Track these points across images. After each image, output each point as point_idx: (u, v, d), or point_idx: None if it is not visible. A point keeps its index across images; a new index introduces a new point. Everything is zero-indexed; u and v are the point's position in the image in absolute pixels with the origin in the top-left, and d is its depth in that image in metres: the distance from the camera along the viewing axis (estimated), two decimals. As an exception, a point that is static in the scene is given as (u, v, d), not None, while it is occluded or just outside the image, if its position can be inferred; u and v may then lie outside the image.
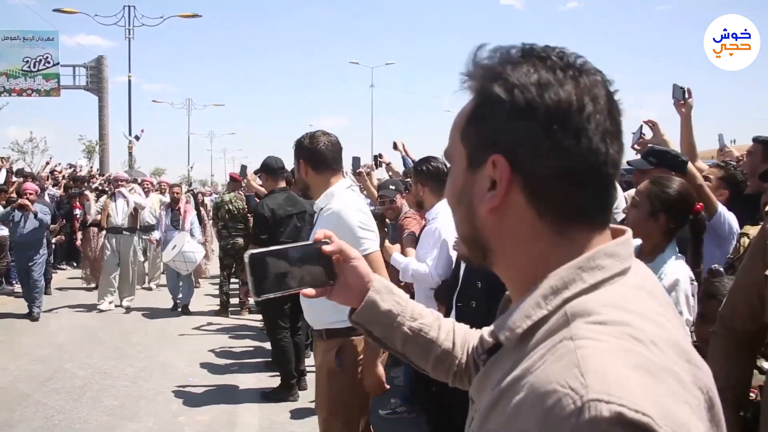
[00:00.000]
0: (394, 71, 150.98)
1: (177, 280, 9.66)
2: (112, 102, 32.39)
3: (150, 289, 11.70)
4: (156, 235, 10.25)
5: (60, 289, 11.51)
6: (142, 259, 10.74)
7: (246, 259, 1.13)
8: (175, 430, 5.00)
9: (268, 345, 7.52)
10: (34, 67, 29.46)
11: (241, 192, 9.32)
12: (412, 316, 1.24)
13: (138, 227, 10.18)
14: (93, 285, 11.30)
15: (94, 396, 5.73)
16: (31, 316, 8.78)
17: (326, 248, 1.19)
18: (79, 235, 12.26)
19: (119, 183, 10.22)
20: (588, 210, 0.82)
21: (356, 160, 7.54)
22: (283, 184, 5.89)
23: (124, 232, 9.84)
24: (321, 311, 2.96)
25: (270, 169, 5.87)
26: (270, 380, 6.18)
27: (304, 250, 1.20)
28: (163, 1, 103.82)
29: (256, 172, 7.36)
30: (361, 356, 2.95)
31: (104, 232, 10.24)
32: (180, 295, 9.73)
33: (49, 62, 29.59)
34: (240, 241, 9.00)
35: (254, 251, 1.15)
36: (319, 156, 3.10)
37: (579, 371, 0.68)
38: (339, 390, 3.00)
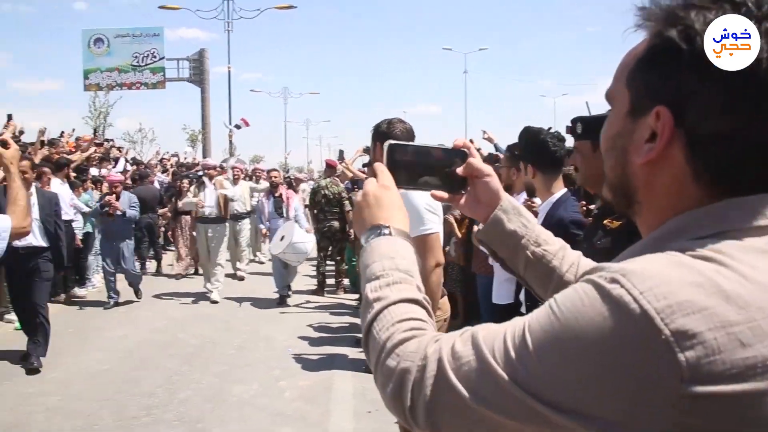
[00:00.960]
0: (488, 57, 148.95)
1: (284, 272, 9.15)
2: (212, 92, 33.83)
3: (242, 278, 11.36)
4: (261, 226, 9.97)
5: (169, 268, 12.29)
6: (241, 246, 11.05)
7: (385, 147, 1.14)
8: (277, 394, 5.46)
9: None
10: (142, 61, 31.22)
11: (336, 177, 9.80)
12: (536, 240, 1.22)
13: (227, 217, 9.98)
14: (184, 272, 11.56)
15: (205, 362, 6.31)
16: (137, 294, 9.25)
17: (471, 160, 1.18)
18: (172, 223, 12.29)
19: (207, 171, 10.11)
20: (745, 180, 0.74)
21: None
22: None
23: (213, 222, 9.62)
24: None
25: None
26: (361, 353, 6.57)
27: (442, 154, 1.19)
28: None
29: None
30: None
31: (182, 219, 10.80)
32: (286, 286, 9.33)
33: (155, 57, 31.29)
34: (335, 224, 9.49)
35: (395, 141, 1.17)
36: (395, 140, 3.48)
37: (632, 262, 0.71)
38: None
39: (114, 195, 8.73)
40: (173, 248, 14.40)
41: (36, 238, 6.09)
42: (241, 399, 5.30)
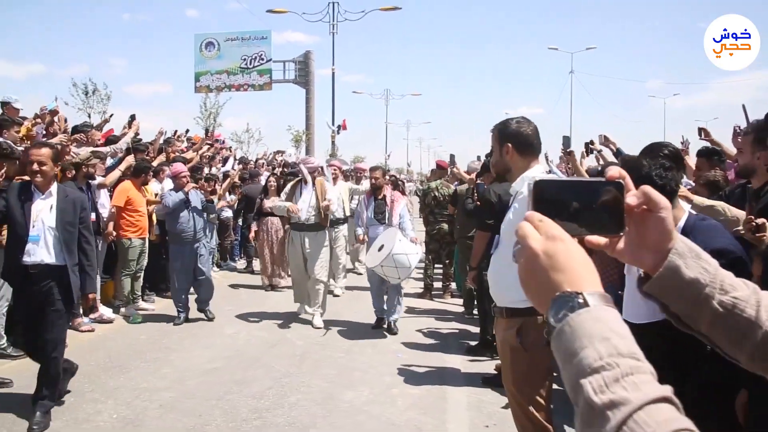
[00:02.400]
0: (595, 56, 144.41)
1: (382, 289, 7.68)
2: (317, 94, 34.34)
3: (337, 296, 9.81)
4: (359, 231, 7.99)
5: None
6: (338, 258, 9.69)
7: (530, 185, 0.97)
8: (389, 401, 5.23)
9: (472, 328, 7.65)
10: (250, 64, 32.14)
11: (446, 179, 9.54)
12: (722, 287, 0.98)
13: (327, 223, 8.06)
14: (268, 284, 10.30)
15: (314, 364, 6.18)
16: (206, 315, 7.97)
17: (629, 198, 0.95)
18: (253, 226, 10.61)
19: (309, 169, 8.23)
20: None
21: (566, 140, 7.50)
22: None
23: (310, 230, 7.70)
24: (505, 288, 3.15)
25: None
26: (476, 363, 6.29)
27: (594, 188, 0.97)
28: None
29: (487, 156, 7.19)
30: (544, 336, 3.02)
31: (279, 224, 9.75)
32: (384, 307, 7.68)
33: (262, 59, 32.13)
34: (445, 226, 9.25)
35: (542, 177, 0.99)
36: (525, 139, 3.24)
37: None
38: (522, 368, 3.15)
39: (194, 183, 8.20)
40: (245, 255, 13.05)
41: (49, 254, 4.54)
42: (353, 405, 5.11)
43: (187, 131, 13.87)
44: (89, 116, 19.91)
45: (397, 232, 7.15)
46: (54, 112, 7.48)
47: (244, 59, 31.95)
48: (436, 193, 9.42)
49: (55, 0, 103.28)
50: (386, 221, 7.61)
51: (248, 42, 32.21)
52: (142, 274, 8.38)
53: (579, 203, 0.95)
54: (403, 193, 10.32)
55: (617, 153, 7.61)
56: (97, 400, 5.10)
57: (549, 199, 0.95)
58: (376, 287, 7.63)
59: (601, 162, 7.67)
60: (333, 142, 30.20)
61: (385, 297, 7.65)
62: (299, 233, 7.72)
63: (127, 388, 5.42)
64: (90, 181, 7.40)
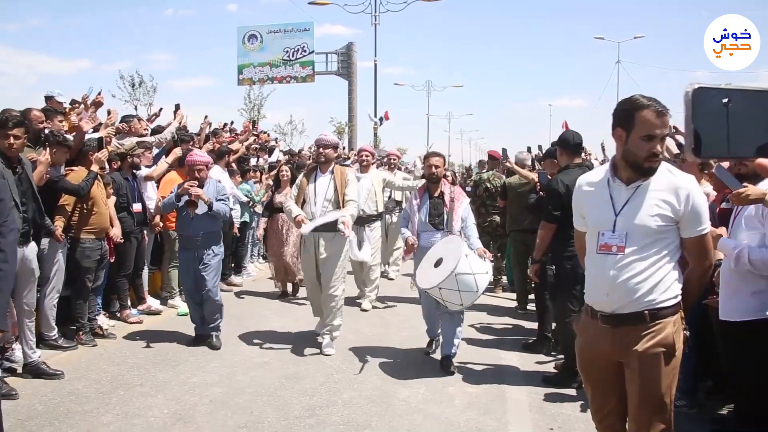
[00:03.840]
0: (643, 45, 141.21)
1: (436, 313, 5.94)
2: (359, 85, 34.18)
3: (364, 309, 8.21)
4: (406, 233, 5.99)
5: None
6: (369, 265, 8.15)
7: (688, 92, 0.82)
8: (446, 400, 5.00)
9: (526, 324, 7.38)
10: (293, 56, 32.17)
11: (498, 170, 9.25)
12: None
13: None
14: (279, 290, 9.00)
15: (366, 360, 5.98)
16: (209, 343, 6.35)
17: None
18: (262, 223, 9.48)
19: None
20: None
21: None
22: (578, 161, 5.57)
23: (324, 230, 6.05)
24: (640, 290, 2.73)
25: (567, 143, 5.58)
26: (534, 360, 6.03)
27: None
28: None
29: (554, 144, 6.64)
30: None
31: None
32: (440, 340, 6.00)
33: (305, 51, 32.13)
34: (496, 219, 8.96)
35: (702, 84, 0.81)
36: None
37: None
38: (672, 372, 2.79)
39: (196, 182, 6.26)
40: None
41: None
42: (408, 404, 4.89)
43: (232, 122, 13.81)
44: (135, 108, 20.10)
45: (461, 244, 5.31)
46: (97, 103, 7.40)
47: (287, 51, 31.99)
48: (488, 185, 9.15)
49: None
50: (445, 227, 5.79)
51: (291, 34, 32.23)
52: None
53: (746, 115, 0.76)
54: (464, 188, 8.79)
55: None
56: (147, 394, 4.98)
57: (714, 118, 0.79)
58: (429, 309, 6.07)
59: (665, 153, 7.30)
60: (375, 134, 30.02)
61: (441, 322, 5.91)
62: (312, 235, 6.08)
63: (177, 382, 5.29)
64: (135, 171, 7.32)
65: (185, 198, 6.22)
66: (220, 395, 4.99)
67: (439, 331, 5.99)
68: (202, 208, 6.20)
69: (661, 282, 2.71)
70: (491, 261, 5.79)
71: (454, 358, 5.73)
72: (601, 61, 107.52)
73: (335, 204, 6.05)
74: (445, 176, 6.29)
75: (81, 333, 6.18)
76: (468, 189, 9.84)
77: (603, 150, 10.91)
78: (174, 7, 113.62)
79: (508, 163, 8.43)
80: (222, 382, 5.29)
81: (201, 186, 6.25)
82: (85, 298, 6.24)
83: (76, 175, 6.10)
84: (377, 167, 9.63)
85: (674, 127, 7.02)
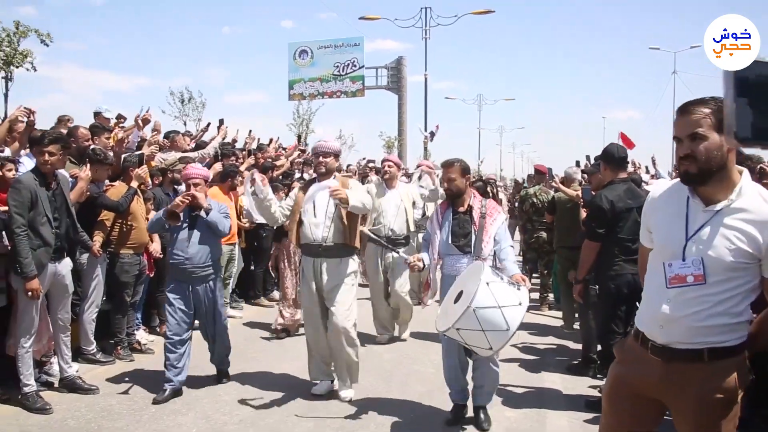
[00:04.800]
0: (700, 54, 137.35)
1: (458, 362, 4.80)
2: (409, 100, 34.18)
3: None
4: (425, 259, 4.72)
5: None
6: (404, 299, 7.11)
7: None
8: (483, 425, 4.81)
9: (572, 344, 7.11)
10: (343, 71, 32.40)
11: (545, 185, 9.03)
12: None
13: (354, 243, 5.27)
14: (280, 328, 7.44)
15: (403, 380, 5.83)
16: (219, 377, 5.73)
17: None
18: (273, 250, 8.38)
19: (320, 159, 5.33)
20: None
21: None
22: (624, 175, 5.34)
23: (326, 255, 5.14)
24: (701, 325, 2.35)
25: (611, 157, 5.35)
26: (578, 383, 5.76)
27: None
28: (457, 0, 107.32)
29: (597, 158, 6.23)
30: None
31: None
32: (468, 387, 4.86)
33: (355, 66, 32.33)
34: (543, 235, 8.74)
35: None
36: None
37: None
38: (732, 420, 2.41)
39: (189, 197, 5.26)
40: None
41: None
42: (444, 427, 4.71)
43: (278, 138, 13.82)
44: (185, 123, 20.48)
45: (482, 268, 3.85)
46: (145, 120, 7.50)
47: (337, 66, 32.25)
48: (535, 200, 8.93)
49: (160, 16, 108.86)
50: (473, 250, 4.63)
51: (341, 49, 32.49)
52: (231, 281, 8.27)
53: None
54: (498, 201, 7.63)
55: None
56: (178, 411, 4.94)
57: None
58: (450, 360, 4.83)
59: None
60: (425, 148, 29.91)
61: (473, 371, 4.77)
62: (312, 260, 5.14)
63: (208, 400, 5.24)
64: (176, 187, 7.37)
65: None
66: (251, 415, 4.91)
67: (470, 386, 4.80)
68: (201, 230, 5.30)
69: (728, 323, 2.34)
70: (528, 286, 4.13)
71: (488, 413, 4.76)
72: (656, 71, 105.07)
73: (338, 219, 5.08)
74: (481, 187, 5.93)
75: (119, 348, 6.22)
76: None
77: (654, 164, 10.54)
78: (230, 24, 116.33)
79: (553, 183, 8.20)
80: (254, 401, 5.21)
81: (195, 204, 5.27)
82: (124, 312, 6.28)
83: (116, 190, 6.16)
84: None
85: None
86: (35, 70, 20.33)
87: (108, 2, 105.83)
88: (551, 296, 9.20)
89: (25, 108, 5.67)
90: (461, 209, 4.77)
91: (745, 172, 2.37)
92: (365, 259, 7.49)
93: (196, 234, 5.31)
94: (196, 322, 5.70)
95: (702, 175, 2.30)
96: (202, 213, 5.27)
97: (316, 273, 5.15)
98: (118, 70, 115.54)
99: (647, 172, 11.13)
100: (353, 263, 5.25)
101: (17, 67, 19.59)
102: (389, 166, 7.40)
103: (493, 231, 4.66)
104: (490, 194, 6.99)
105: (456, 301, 3.87)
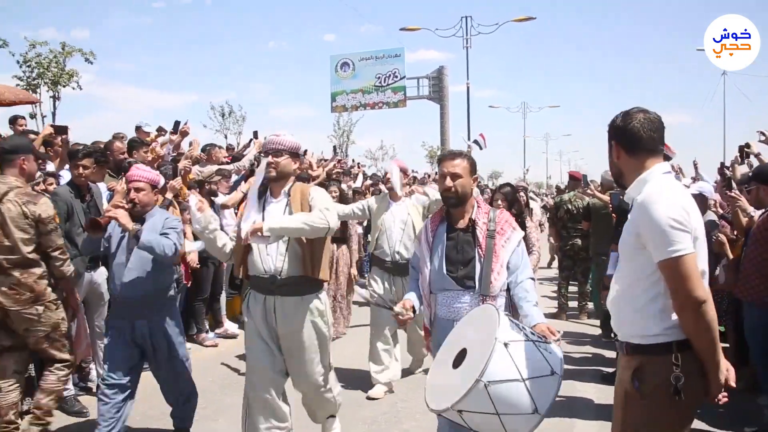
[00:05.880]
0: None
1: None
2: (451, 109, 34.16)
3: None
4: (412, 304, 3.47)
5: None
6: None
7: None
8: (512, 434, 4.76)
9: (608, 353, 6.99)
10: (384, 82, 32.55)
11: (579, 191, 8.93)
12: None
13: (318, 275, 3.99)
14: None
15: None
16: None
17: None
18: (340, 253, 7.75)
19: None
20: None
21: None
22: None
23: (282, 292, 3.88)
24: (626, 319, 2.56)
25: None
26: (609, 393, 5.64)
27: None
28: (497, 8, 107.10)
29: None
30: (671, 382, 2.40)
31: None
32: None
33: (396, 77, 32.45)
34: (578, 242, 8.65)
35: None
36: (632, 135, 2.61)
37: None
38: (636, 419, 2.50)
39: (127, 203, 4.25)
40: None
41: None
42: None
43: (321, 152, 13.97)
44: (225, 137, 20.90)
45: (497, 318, 2.79)
46: (183, 133, 7.70)
47: (379, 77, 32.43)
48: (569, 206, 8.84)
49: (206, 34, 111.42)
50: (477, 284, 3.32)
51: (382, 60, 32.68)
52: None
53: None
54: (519, 214, 5.66)
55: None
56: (208, 417, 5.05)
57: None
58: None
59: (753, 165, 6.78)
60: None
61: None
62: (264, 298, 3.89)
63: (240, 406, 5.31)
64: (213, 199, 7.52)
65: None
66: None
67: None
68: (141, 253, 4.19)
69: None
70: (559, 339, 3.01)
71: None
72: (705, 73, 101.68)
73: (296, 244, 3.78)
74: (509, 197, 5.49)
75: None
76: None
77: (696, 168, 10.30)
78: (275, 39, 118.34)
79: (589, 190, 8.12)
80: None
81: (140, 211, 4.29)
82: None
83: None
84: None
85: (761, 132, 6.40)
86: (80, 88, 21.06)
87: (156, 23, 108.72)
88: (590, 305, 9.06)
89: (51, 125, 5.95)
90: (460, 224, 3.45)
91: None
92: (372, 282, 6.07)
93: (135, 258, 4.24)
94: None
95: None
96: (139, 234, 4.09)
97: (268, 315, 3.88)
98: (166, 87, 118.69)
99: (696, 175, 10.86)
100: (319, 302, 3.94)
101: (64, 86, 20.32)
102: (401, 174, 5.86)
103: (506, 256, 3.34)
104: (522, 202, 6.52)
105: (456, 364, 2.79)
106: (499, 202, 5.75)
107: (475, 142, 27.53)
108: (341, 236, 7.50)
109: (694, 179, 9.70)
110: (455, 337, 3.01)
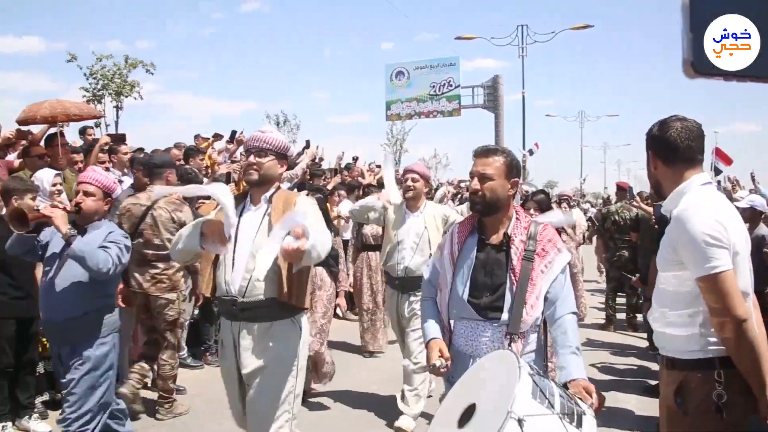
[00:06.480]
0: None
1: None
2: (506, 118, 33.99)
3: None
4: (429, 333, 2.84)
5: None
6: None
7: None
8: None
9: (653, 366, 6.93)
10: (439, 90, 32.64)
11: (627, 202, 8.88)
12: None
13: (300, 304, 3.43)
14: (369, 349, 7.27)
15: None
16: None
17: None
18: (349, 267, 7.48)
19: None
20: None
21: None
22: None
23: (250, 318, 3.16)
24: (667, 334, 2.45)
25: None
26: (653, 405, 5.64)
27: None
28: (554, 16, 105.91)
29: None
30: (714, 399, 2.31)
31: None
32: None
33: (451, 85, 32.49)
34: (625, 253, 8.57)
35: None
36: (669, 145, 2.51)
37: None
38: None
39: (73, 206, 3.76)
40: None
41: None
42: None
43: (357, 158, 14.02)
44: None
45: (518, 379, 2.09)
46: (239, 142, 8.03)
47: (433, 86, 32.53)
48: (617, 217, 8.77)
49: (264, 42, 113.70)
50: (507, 315, 2.67)
51: (437, 69, 32.78)
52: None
53: None
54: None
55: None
56: None
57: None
58: None
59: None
60: (524, 167, 29.64)
61: None
62: (231, 324, 3.21)
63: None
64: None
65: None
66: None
67: None
68: (72, 265, 3.55)
69: None
70: (595, 404, 2.43)
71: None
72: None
73: (269, 266, 2.99)
74: (542, 201, 5.08)
75: (207, 354, 6.66)
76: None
77: (753, 180, 10.10)
78: (332, 48, 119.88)
79: (635, 202, 8.08)
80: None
81: (85, 218, 3.72)
82: (212, 321, 6.71)
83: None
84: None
85: None
86: (141, 98, 21.93)
87: (217, 33, 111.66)
88: (639, 317, 8.98)
89: (108, 134, 6.38)
90: (493, 239, 2.78)
91: None
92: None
93: (65, 271, 3.60)
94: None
95: None
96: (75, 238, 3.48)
97: (235, 344, 3.18)
98: (225, 95, 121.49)
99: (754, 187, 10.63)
100: (295, 333, 3.20)
101: (126, 96, 21.21)
102: (413, 180, 5.13)
103: (545, 285, 2.68)
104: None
105: (462, 422, 2.22)
106: (532, 211, 5.29)
107: (530, 151, 27.34)
108: (375, 243, 7.09)
109: (752, 191, 9.53)
110: (468, 383, 2.44)
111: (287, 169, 8.92)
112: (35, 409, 4.95)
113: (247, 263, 3.08)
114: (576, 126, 52.38)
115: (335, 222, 8.43)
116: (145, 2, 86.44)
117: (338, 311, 5.60)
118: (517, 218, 2.77)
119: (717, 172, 9.67)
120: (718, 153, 10.14)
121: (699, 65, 1.01)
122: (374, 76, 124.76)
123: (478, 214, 2.82)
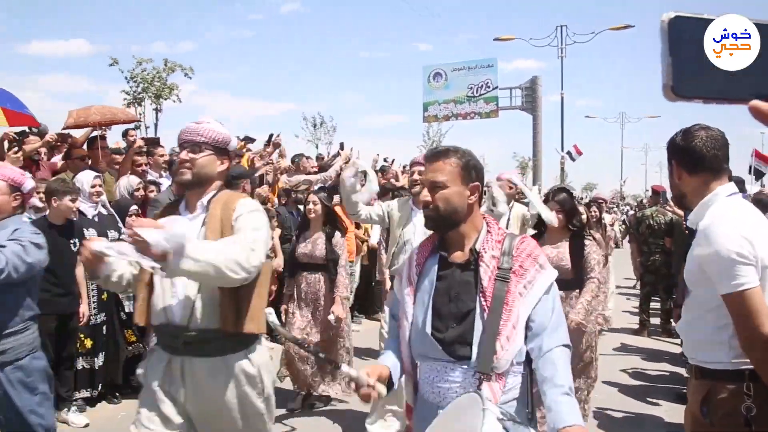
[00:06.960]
0: None
1: None
2: (545, 120, 33.74)
3: None
4: (389, 363, 2.26)
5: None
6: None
7: (665, 19, 0.78)
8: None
9: (685, 372, 6.88)
10: (477, 92, 32.55)
11: (661, 206, 8.80)
12: None
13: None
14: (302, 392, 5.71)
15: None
16: None
17: None
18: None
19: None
20: None
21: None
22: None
23: (196, 353, 2.57)
24: (696, 345, 2.40)
25: None
26: (681, 411, 5.60)
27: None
28: (593, 17, 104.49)
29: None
30: (742, 412, 2.23)
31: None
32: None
33: (488, 87, 32.39)
34: (659, 257, 8.50)
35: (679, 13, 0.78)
36: (694, 155, 2.42)
37: None
38: None
39: None
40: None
41: None
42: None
43: (393, 161, 14.12)
44: (317, 146, 21.65)
45: (482, 425, 1.60)
46: (276, 144, 8.20)
47: (471, 88, 32.46)
48: (651, 221, 8.69)
49: (302, 42, 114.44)
50: (473, 354, 2.08)
51: (474, 71, 32.70)
52: (351, 297, 8.66)
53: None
54: (579, 229, 4.55)
55: None
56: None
57: (687, 44, 0.81)
58: None
59: None
60: (562, 169, 29.38)
61: None
62: (168, 358, 2.64)
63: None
64: (299, 206, 7.93)
65: None
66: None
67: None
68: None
69: None
70: None
71: None
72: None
73: (211, 297, 2.56)
74: (567, 206, 4.40)
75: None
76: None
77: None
78: (368, 50, 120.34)
79: (668, 207, 8.00)
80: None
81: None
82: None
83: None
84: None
85: None
86: (180, 101, 22.39)
87: (256, 35, 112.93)
88: (674, 323, 8.88)
89: (142, 138, 6.67)
90: (457, 257, 2.25)
91: None
92: None
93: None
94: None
95: None
96: None
97: (173, 383, 2.62)
98: (264, 96, 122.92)
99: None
100: (249, 363, 2.64)
101: (165, 99, 21.70)
102: (420, 173, 4.41)
103: (525, 310, 2.12)
104: (592, 217, 6.27)
105: None
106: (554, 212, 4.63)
107: (568, 153, 27.07)
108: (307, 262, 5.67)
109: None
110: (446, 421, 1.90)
111: (318, 171, 8.92)
112: (74, 403, 5.15)
113: (187, 286, 2.54)
114: (616, 127, 51.75)
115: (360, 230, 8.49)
116: (187, 4, 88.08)
117: (330, 318, 5.24)
118: (488, 230, 2.23)
119: (759, 175, 9.41)
120: (758, 155, 9.93)
121: (678, 89, 1.05)
122: (411, 78, 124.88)
123: (436, 230, 2.30)
